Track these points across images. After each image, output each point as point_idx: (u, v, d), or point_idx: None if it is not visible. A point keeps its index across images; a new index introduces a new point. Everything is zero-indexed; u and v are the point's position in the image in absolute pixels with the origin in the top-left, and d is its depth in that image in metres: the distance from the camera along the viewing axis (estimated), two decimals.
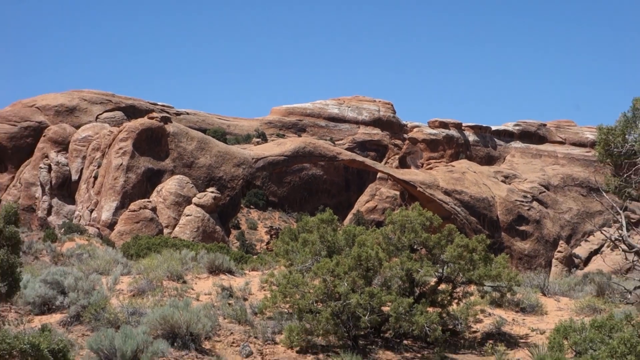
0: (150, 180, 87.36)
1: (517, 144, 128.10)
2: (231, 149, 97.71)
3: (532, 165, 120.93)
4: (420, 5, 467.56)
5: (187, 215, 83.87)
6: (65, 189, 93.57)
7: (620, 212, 13.67)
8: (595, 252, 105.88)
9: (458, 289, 22.10)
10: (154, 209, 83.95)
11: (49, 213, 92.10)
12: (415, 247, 22.13)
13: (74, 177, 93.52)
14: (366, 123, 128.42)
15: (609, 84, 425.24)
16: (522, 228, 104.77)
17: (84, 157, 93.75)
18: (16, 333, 12.42)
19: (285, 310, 21.16)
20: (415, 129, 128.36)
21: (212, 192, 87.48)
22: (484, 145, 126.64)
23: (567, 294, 28.35)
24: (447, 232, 22.01)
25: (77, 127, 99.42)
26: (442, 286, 22.02)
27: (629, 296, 14.39)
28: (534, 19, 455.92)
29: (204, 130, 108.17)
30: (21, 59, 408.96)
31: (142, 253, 38.34)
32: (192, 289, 24.93)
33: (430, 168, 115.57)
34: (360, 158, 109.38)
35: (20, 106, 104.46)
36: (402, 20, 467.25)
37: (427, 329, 19.64)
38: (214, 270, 28.31)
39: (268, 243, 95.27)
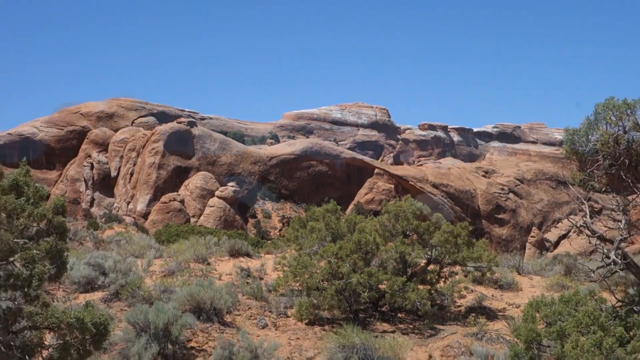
0: (178, 176, 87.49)
1: (495, 144, 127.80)
2: (248, 149, 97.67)
3: (509, 162, 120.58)
4: (415, 23, 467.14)
5: (210, 206, 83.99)
6: (105, 184, 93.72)
7: (585, 202, 13.63)
8: (564, 236, 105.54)
9: (445, 269, 22.08)
10: (182, 201, 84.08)
11: (91, 205, 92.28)
12: (407, 233, 22.09)
13: (113, 173, 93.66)
14: (365, 126, 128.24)
15: (576, 90, 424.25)
16: (500, 216, 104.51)
17: (122, 157, 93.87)
18: (64, 308, 12.44)
19: (296, 288, 21.16)
20: (407, 131, 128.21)
21: (232, 186, 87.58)
22: (467, 145, 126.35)
23: (539, 273, 28.27)
24: (435, 220, 22.00)
25: (116, 131, 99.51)
26: (431, 267, 22.00)
27: (593, 275, 14.35)
28: (511, 32, 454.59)
29: (225, 133, 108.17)
30: (65, 71, 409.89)
31: (172, 239, 38.22)
32: (215, 270, 24.92)
33: (421, 164, 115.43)
34: (359, 156, 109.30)
35: (66, 113, 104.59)
36: (398, 36, 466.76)
37: (418, 303, 19.63)
38: (234, 253, 28.30)
39: (281, 230, 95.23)
